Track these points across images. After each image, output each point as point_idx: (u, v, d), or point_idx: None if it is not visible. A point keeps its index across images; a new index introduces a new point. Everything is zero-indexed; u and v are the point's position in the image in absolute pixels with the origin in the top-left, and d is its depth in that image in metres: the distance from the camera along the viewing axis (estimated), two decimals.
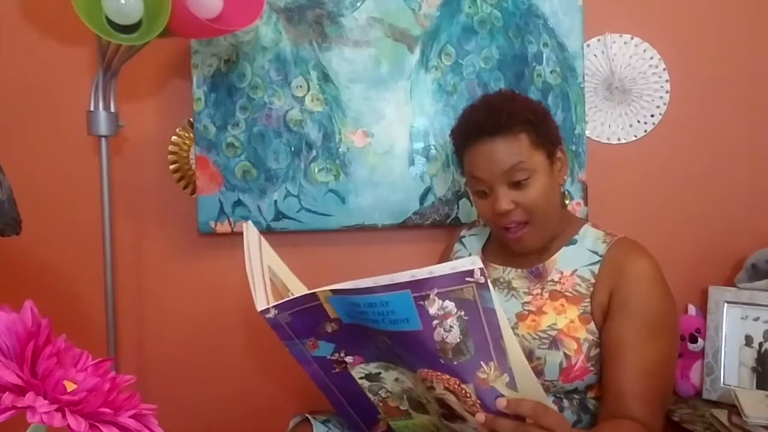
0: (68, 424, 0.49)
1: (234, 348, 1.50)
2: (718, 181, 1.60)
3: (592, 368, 1.02)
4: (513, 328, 1.05)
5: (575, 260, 1.09)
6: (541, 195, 1.04)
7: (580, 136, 1.49)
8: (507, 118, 1.03)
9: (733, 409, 1.28)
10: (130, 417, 0.54)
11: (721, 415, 1.29)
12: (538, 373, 1.01)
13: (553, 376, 1.01)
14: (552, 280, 1.09)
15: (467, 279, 0.69)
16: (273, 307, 0.81)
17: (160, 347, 1.48)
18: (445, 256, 1.32)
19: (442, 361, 0.76)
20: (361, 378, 0.90)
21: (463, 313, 0.72)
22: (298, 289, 1.03)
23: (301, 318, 0.82)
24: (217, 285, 1.49)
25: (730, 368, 1.46)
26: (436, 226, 1.47)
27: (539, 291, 1.09)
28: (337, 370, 0.89)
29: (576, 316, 1.04)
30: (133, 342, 1.46)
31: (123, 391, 0.57)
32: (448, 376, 0.77)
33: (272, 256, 1.01)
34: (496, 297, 0.74)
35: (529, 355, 1.02)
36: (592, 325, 1.03)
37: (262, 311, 0.82)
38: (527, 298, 1.09)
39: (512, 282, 1.13)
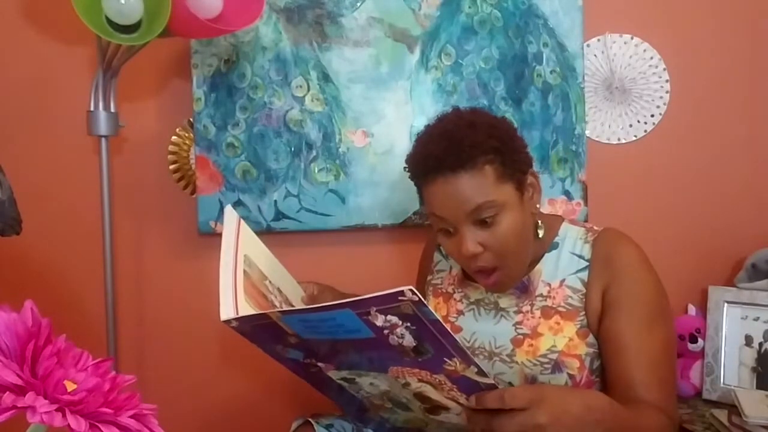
0: (68, 424, 0.49)
1: (234, 348, 1.50)
2: (718, 181, 1.60)
3: (596, 379, 1.00)
4: (510, 356, 1.01)
5: (561, 268, 1.03)
6: (511, 233, 0.95)
7: (580, 136, 1.49)
8: (469, 150, 0.92)
9: (733, 409, 1.28)
10: (130, 417, 0.54)
11: (721, 415, 1.29)
12: None
13: None
14: (541, 295, 1.02)
15: (400, 298, 0.68)
16: (234, 319, 0.80)
17: (160, 347, 1.48)
18: (424, 264, 1.24)
19: (408, 359, 0.76)
20: (339, 380, 0.90)
21: (409, 323, 0.71)
22: (277, 276, 1.02)
23: (263, 331, 0.82)
24: (217, 285, 1.49)
25: (730, 368, 1.45)
26: None
27: (529, 308, 1.02)
28: (313, 370, 0.89)
29: (574, 333, 0.99)
30: (133, 342, 1.46)
31: (123, 391, 0.57)
32: (418, 370, 0.78)
33: (251, 243, 0.98)
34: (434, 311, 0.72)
35: (532, 381, 0.99)
36: (590, 338, 0.99)
37: (224, 321, 0.80)
38: (518, 318, 1.03)
39: (499, 302, 1.06)
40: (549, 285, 1.02)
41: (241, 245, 0.95)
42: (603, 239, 1.02)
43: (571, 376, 0.98)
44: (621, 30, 1.54)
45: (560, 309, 1.01)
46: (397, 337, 0.73)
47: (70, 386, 0.53)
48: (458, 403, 0.81)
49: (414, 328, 0.71)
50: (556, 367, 0.98)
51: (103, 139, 1.27)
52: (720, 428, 1.27)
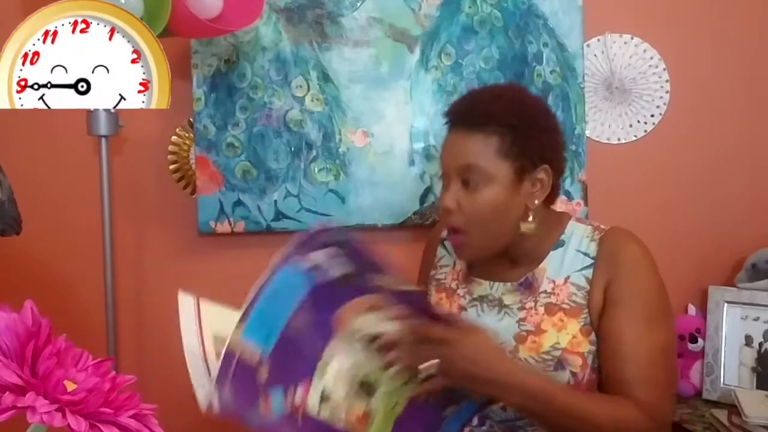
0: (68, 424, 0.49)
1: None
2: (718, 181, 1.60)
3: (597, 377, 1.00)
4: (512, 352, 0.99)
5: (566, 265, 1.02)
6: (487, 207, 0.96)
7: (580, 136, 1.49)
8: (482, 117, 0.97)
9: (733, 409, 1.28)
10: (131, 417, 0.54)
11: (721, 415, 1.29)
12: None
13: None
14: (545, 291, 1.02)
15: (314, 234, 0.78)
16: (214, 398, 0.80)
17: (160, 347, 1.48)
18: (427, 257, 1.23)
19: (342, 293, 0.82)
20: (317, 407, 0.87)
21: (332, 254, 0.79)
22: None
23: (239, 383, 0.80)
24: (217, 285, 1.48)
25: (730, 368, 1.46)
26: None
27: (532, 304, 1.02)
28: (299, 420, 0.86)
29: (577, 330, 0.98)
30: (133, 342, 1.46)
31: (123, 391, 0.57)
32: (356, 299, 0.84)
33: (217, 319, 0.96)
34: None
35: None
36: (593, 335, 0.99)
37: (207, 410, 0.80)
38: (521, 314, 1.02)
39: (503, 299, 1.05)
40: (553, 282, 1.02)
41: (206, 328, 0.95)
42: (609, 237, 1.02)
43: (573, 374, 0.97)
44: (621, 30, 1.54)
45: (564, 306, 1.00)
46: (328, 271, 0.80)
47: (70, 386, 0.53)
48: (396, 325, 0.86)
49: (340, 254, 0.79)
50: (559, 364, 0.97)
51: (103, 139, 1.27)
52: (720, 428, 1.27)
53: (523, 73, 1.48)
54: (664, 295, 1.00)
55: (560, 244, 1.04)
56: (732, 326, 1.47)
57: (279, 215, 1.42)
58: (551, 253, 1.04)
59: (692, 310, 1.53)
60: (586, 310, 0.99)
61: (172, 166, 1.45)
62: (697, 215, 1.59)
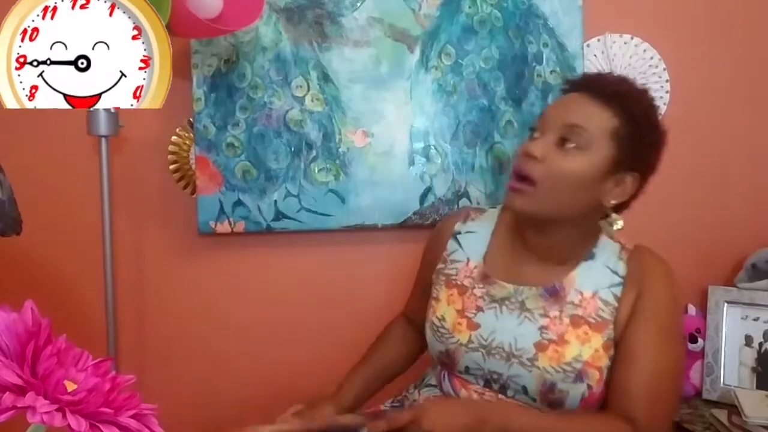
0: (68, 424, 0.49)
1: (234, 348, 1.50)
2: (717, 181, 1.60)
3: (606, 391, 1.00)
4: (531, 360, 0.99)
5: (595, 280, 1.02)
6: (571, 173, 0.95)
7: None
8: (614, 94, 0.96)
9: (733, 409, 1.28)
10: (131, 417, 0.54)
11: (721, 415, 1.29)
12: (558, 403, 0.98)
13: (573, 405, 0.98)
14: (572, 303, 1.01)
15: None
16: None
17: (160, 347, 1.48)
18: (434, 249, 1.19)
19: None
20: None
21: None
22: None
23: None
24: (217, 285, 1.49)
25: (730, 368, 1.46)
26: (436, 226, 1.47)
27: (557, 314, 1.00)
28: None
29: (600, 344, 0.98)
30: (133, 342, 1.46)
31: (123, 391, 0.57)
32: None
33: None
34: None
35: (551, 387, 0.98)
36: (612, 350, 0.99)
37: None
38: (543, 321, 1.01)
39: (526, 302, 1.03)
40: (581, 294, 1.01)
41: None
42: (637, 257, 1.03)
43: (589, 387, 0.97)
44: (621, 30, 1.54)
45: (590, 320, 0.99)
46: None
47: (70, 386, 0.53)
48: None
49: None
50: (578, 376, 0.97)
51: (103, 139, 1.27)
52: (720, 428, 1.27)
53: (523, 73, 1.48)
54: (680, 314, 1.03)
55: (591, 255, 1.04)
56: (732, 326, 1.47)
57: (279, 215, 1.42)
58: (582, 263, 1.03)
59: (692, 310, 1.53)
60: (612, 326, 0.99)
61: (172, 166, 1.45)
62: (697, 215, 1.59)
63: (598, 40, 1.54)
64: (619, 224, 1.02)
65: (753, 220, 1.60)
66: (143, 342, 1.47)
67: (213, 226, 1.40)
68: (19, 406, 0.48)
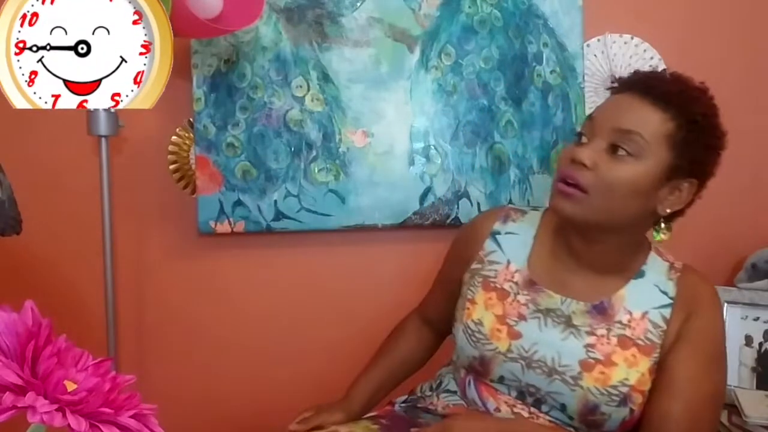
0: (69, 424, 0.49)
1: (234, 348, 1.50)
2: (718, 181, 1.59)
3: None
4: (575, 378, 0.94)
5: (645, 299, 0.97)
6: (624, 182, 0.89)
7: None
8: (669, 95, 0.90)
9: (733, 409, 1.28)
10: (131, 417, 0.54)
11: (721, 415, 1.29)
12: (597, 425, 0.95)
13: (612, 427, 0.95)
14: (620, 322, 0.96)
15: None
16: None
17: (160, 347, 1.48)
18: (468, 246, 1.11)
19: None
20: None
21: None
22: None
23: None
24: (217, 285, 1.49)
25: (730, 368, 1.45)
26: (436, 226, 1.47)
27: (604, 332, 0.95)
28: None
29: (647, 368, 0.93)
30: (133, 342, 1.46)
31: (123, 391, 0.57)
32: None
33: None
34: None
35: (592, 409, 0.94)
36: (654, 374, 0.95)
37: None
38: (590, 339, 0.95)
39: (572, 317, 0.98)
40: (630, 314, 0.96)
41: None
42: (687, 279, 0.99)
43: (631, 411, 0.93)
44: (621, 30, 1.54)
45: (639, 342, 0.95)
46: None
47: (70, 386, 0.53)
48: None
49: None
50: (623, 401, 0.93)
51: (103, 139, 1.27)
52: (720, 428, 1.27)
53: (523, 73, 1.48)
54: (725, 342, 0.98)
55: (641, 274, 0.99)
56: (732, 326, 1.47)
57: (279, 215, 1.42)
58: (631, 281, 0.99)
59: None
60: (659, 350, 0.95)
61: (172, 166, 1.44)
62: (697, 215, 1.58)
63: (598, 40, 1.54)
64: (664, 236, 0.98)
65: (753, 220, 1.60)
66: (143, 342, 1.47)
67: (213, 226, 1.40)
68: (19, 406, 0.48)
